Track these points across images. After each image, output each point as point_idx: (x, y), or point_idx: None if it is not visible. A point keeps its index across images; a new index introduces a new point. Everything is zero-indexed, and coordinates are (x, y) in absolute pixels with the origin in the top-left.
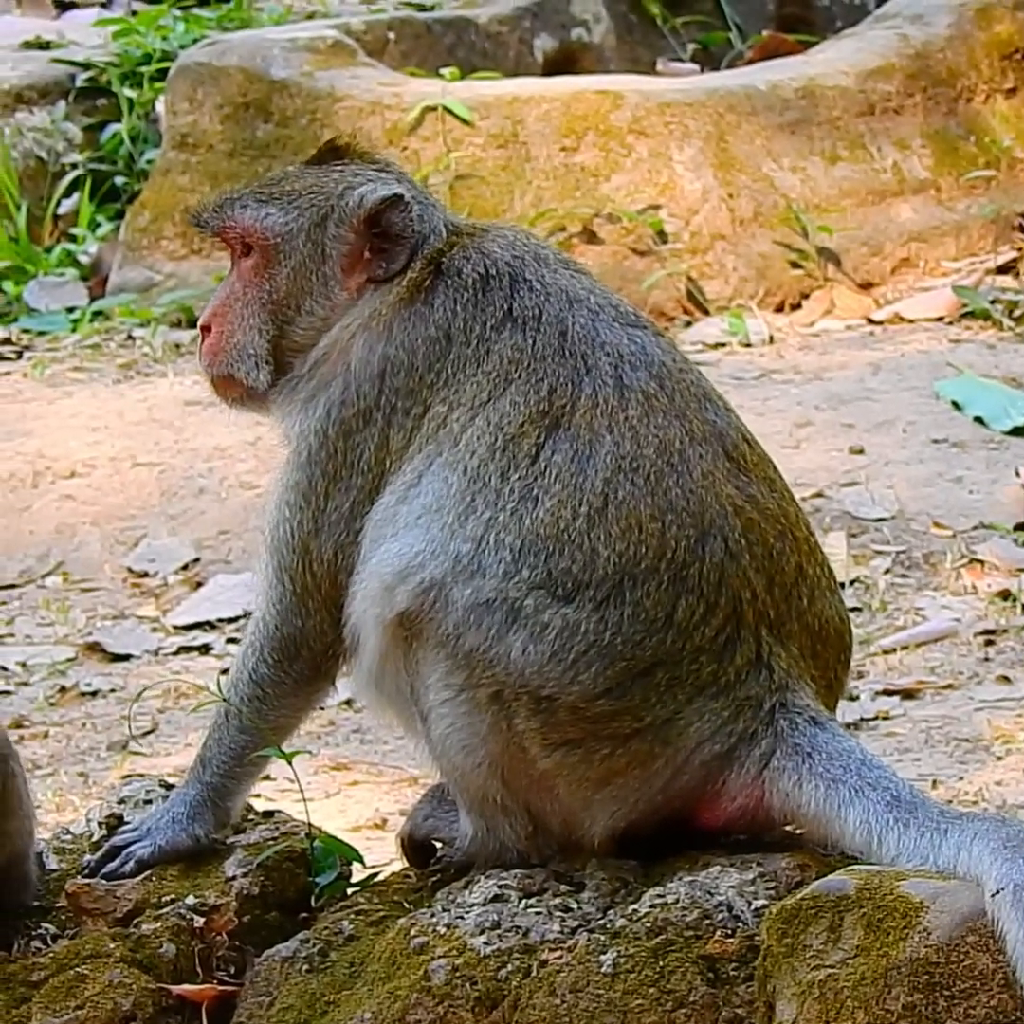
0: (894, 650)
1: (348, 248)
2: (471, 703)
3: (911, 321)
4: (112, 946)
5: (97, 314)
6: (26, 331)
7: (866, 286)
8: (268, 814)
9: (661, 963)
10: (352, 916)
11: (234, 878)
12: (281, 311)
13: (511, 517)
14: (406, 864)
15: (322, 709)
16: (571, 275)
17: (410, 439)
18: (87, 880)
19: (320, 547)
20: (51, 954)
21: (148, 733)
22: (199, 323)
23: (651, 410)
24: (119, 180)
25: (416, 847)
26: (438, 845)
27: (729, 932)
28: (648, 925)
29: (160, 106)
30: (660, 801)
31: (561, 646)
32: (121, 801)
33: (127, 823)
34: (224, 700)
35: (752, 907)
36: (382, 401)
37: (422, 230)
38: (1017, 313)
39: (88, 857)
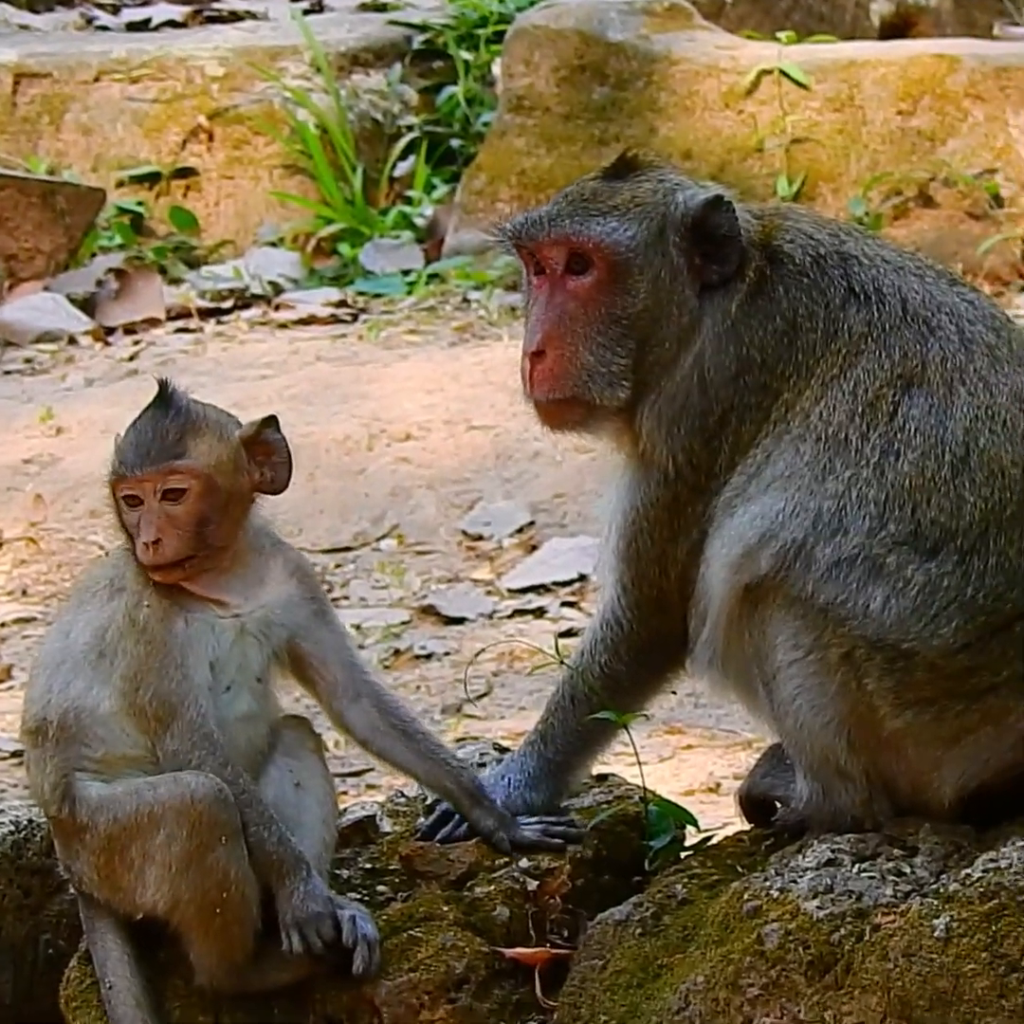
0: None
1: (685, 257)
2: (821, 663)
3: None
4: (445, 909)
5: (433, 277)
6: (362, 293)
7: None
8: (602, 777)
9: (994, 928)
10: (686, 880)
11: None
12: (638, 327)
13: (873, 472)
14: (743, 822)
15: None
16: (880, 243)
17: (759, 428)
18: (421, 843)
19: (677, 550)
20: (385, 917)
21: (482, 696)
22: (528, 349)
23: (996, 360)
24: (455, 142)
25: (754, 804)
26: (776, 804)
27: None
28: (981, 890)
29: (496, 68)
30: (1010, 758)
31: (923, 602)
32: None
33: None
34: (562, 662)
35: None
36: (736, 401)
37: (745, 227)
38: None
39: (422, 820)
